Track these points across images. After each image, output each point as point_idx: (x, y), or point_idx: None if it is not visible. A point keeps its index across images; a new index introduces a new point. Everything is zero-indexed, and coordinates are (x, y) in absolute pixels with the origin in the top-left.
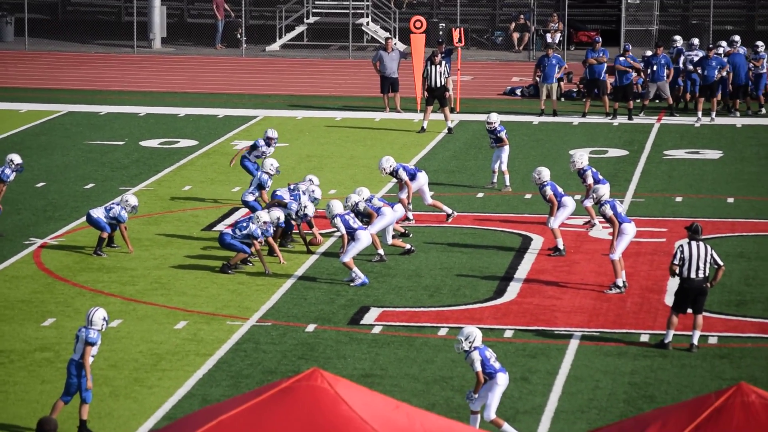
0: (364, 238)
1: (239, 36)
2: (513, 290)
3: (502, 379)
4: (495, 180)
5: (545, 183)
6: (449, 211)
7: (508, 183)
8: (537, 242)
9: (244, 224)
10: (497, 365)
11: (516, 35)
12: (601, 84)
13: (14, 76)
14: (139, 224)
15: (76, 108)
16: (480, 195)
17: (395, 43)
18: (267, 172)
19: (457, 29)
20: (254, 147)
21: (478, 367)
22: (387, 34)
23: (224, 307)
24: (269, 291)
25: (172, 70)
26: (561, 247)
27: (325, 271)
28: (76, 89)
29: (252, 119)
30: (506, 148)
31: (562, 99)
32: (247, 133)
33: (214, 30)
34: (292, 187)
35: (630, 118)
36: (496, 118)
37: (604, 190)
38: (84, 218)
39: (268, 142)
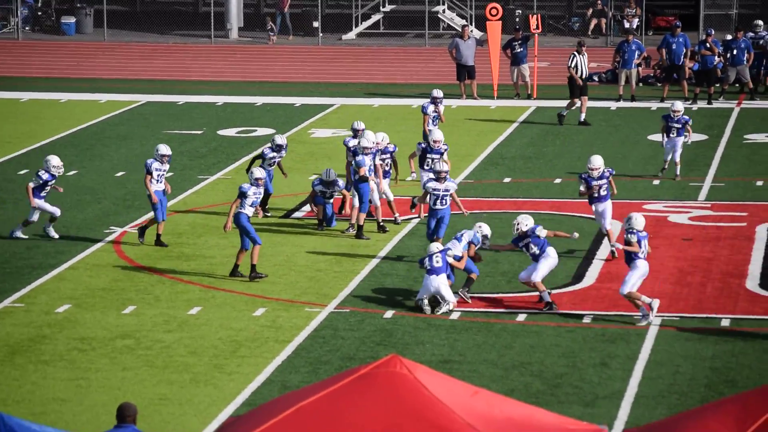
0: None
1: (270, 27)
2: (591, 275)
3: None
4: (666, 167)
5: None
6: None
7: (678, 172)
8: (615, 228)
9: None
10: None
11: (593, 21)
12: (679, 69)
13: (94, 67)
14: (218, 212)
15: (155, 98)
16: (557, 181)
17: (471, 31)
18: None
19: (534, 16)
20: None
21: None
22: (463, 22)
23: (302, 294)
24: (347, 278)
25: (249, 60)
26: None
27: (403, 257)
28: (155, 79)
29: (329, 107)
30: (681, 138)
31: (641, 84)
32: (323, 122)
33: (283, 19)
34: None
35: (710, 103)
36: (680, 107)
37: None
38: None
39: (278, 149)
